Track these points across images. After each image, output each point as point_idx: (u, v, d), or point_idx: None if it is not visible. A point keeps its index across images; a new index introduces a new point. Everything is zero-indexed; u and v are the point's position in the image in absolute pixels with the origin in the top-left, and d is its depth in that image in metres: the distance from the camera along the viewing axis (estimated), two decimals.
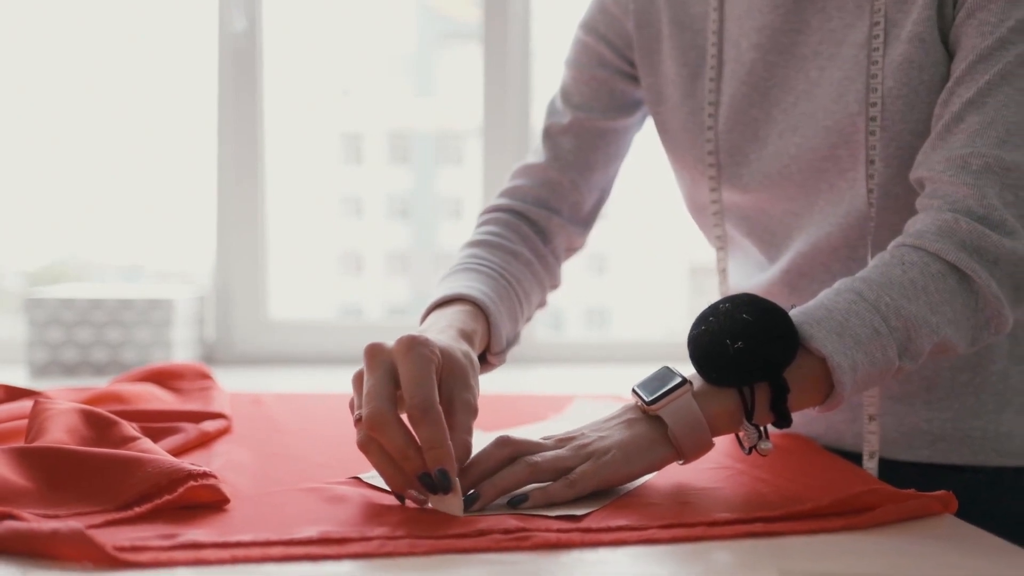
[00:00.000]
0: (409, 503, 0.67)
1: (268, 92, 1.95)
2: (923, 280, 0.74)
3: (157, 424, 0.86)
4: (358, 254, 2.50)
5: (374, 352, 0.67)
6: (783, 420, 0.71)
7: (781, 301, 0.81)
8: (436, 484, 0.64)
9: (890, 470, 0.90)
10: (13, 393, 0.96)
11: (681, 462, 0.72)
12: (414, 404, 0.64)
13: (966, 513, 0.88)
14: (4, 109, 2.07)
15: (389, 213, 2.52)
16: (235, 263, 1.92)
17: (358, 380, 0.69)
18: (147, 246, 2.22)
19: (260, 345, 1.92)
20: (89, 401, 0.96)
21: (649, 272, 2.54)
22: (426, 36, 2.33)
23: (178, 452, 0.82)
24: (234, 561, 0.55)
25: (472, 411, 0.69)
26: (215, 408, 0.97)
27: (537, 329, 2.08)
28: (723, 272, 0.99)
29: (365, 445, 0.66)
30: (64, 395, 0.97)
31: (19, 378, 1.63)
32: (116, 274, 2.22)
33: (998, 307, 0.76)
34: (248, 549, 0.57)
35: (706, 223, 0.99)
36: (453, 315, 0.80)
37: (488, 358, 0.86)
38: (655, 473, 0.75)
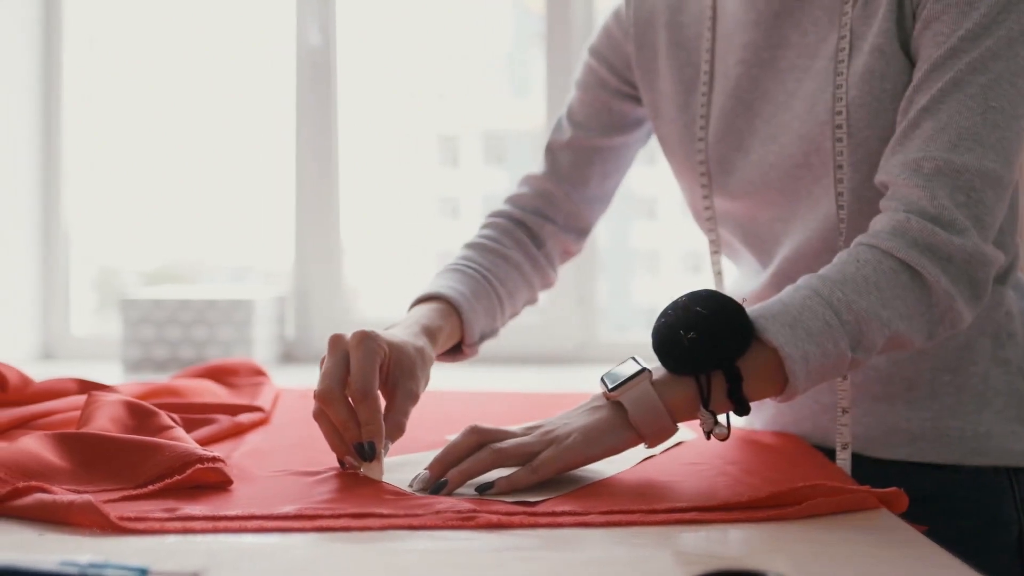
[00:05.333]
0: (348, 469, 0.80)
1: (343, 99, 2.08)
2: (875, 276, 0.79)
3: (196, 415, 0.97)
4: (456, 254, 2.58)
5: (334, 341, 0.81)
6: (741, 408, 0.76)
7: None
8: (364, 453, 0.77)
9: (869, 467, 0.93)
10: (84, 386, 1.08)
11: (646, 446, 0.78)
12: (355, 389, 0.78)
13: (943, 511, 0.90)
14: (116, 122, 2.26)
15: (486, 214, 2.60)
16: (313, 265, 2.04)
17: (322, 363, 0.81)
18: (241, 249, 2.38)
19: None
20: (148, 394, 1.08)
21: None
22: (522, 36, 2.39)
23: (210, 440, 0.92)
24: (215, 531, 0.65)
25: (412, 397, 0.82)
26: (260, 402, 1.07)
27: (633, 328, 2.13)
28: (719, 275, 1.04)
29: (317, 415, 0.79)
30: (130, 388, 1.09)
31: (115, 373, 1.79)
32: (226, 275, 2.39)
33: (950, 303, 0.79)
34: (230, 522, 0.66)
35: (703, 228, 1.04)
36: (425, 312, 0.92)
37: (463, 348, 0.98)
38: (628, 467, 0.82)
